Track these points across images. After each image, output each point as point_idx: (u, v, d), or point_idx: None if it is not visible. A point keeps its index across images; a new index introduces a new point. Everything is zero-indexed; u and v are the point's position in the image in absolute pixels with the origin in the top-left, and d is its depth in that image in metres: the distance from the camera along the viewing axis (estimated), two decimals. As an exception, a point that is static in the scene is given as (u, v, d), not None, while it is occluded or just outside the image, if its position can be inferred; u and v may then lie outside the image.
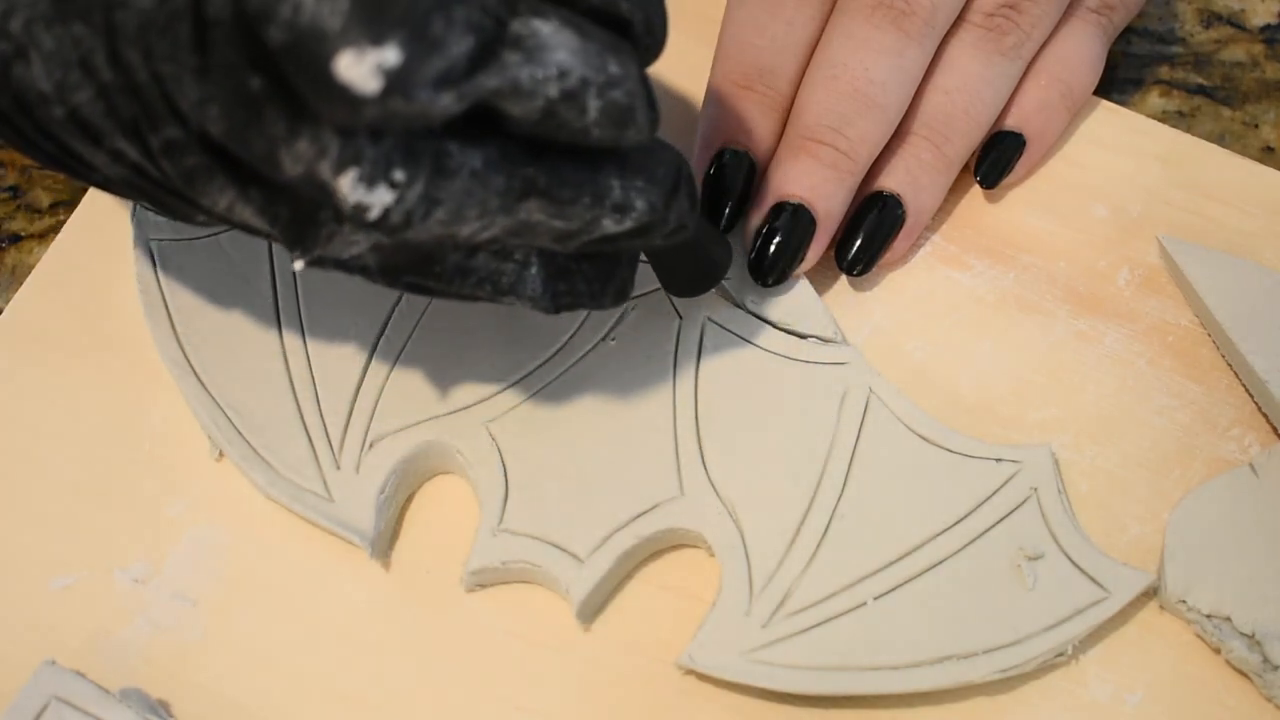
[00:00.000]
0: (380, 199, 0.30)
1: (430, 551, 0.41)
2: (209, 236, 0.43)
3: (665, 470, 0.40)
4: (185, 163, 0.31)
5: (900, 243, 0.43)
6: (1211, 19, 0.50)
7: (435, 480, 0.42)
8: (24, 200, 0.47)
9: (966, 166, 0.44)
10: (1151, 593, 0.40)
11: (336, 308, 0.42)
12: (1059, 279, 0.44)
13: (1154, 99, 0.49)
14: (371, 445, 0.41)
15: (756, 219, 0.42)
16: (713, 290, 0.42)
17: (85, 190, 0.45)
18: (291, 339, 0.42)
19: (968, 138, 0.43)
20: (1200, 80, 0.49)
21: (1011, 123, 0.44)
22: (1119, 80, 0.49)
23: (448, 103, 0.29)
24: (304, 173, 0.29)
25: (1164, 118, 0.48)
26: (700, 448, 0.41)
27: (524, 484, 0.40)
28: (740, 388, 0.41)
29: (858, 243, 0.42)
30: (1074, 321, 0.43)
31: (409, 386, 0.41)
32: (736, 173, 0.42)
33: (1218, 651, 0.40)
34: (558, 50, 0.30)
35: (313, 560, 0.40)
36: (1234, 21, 0.51)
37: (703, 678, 0.39)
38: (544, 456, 0.40)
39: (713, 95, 0.43)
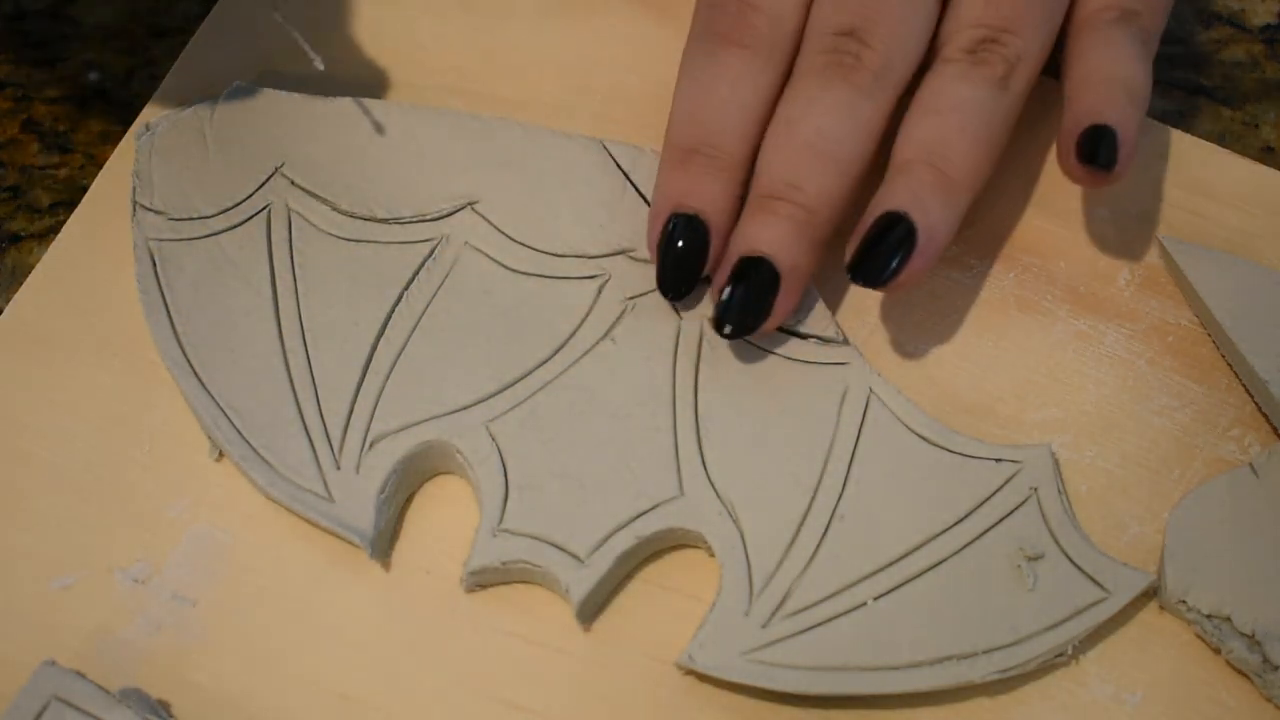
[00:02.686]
0: None
1: (430, 551, 0.41)
2: (208, 236, 0.43)
3: (665, 470, 0.40)
4: None
5: (916, 263, 0.40)
6: (1211, 19, 0.50)
7: (435, 480, 0.42)
8: (24, 200, 0.47)
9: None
10: (1151, 593, 0.40)
11: (336, 308, 0.42)
12: (1059, 279, 0.44)
13: (1154, 99, 0.49)
14: (371, 445, 0.41)
15: (720, 278, 0.41)
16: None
17: (85, 190, 0.45)
18: (291, 339, 0.42)
19: (969, 157, 0.41)
20: (1200, 80, 0.49)
21: (1089, 118, 0.41)
22: (1119, 80, 0.49)
23: None
24: None
25: (1164, 118, 0.48)
26: (700, 448, 0.41)
27: (524, 484, 0.40)
28: (740, 388, 0.41)
29: (866, 260, 0.40)
30: (1074, 321, 0.43)
31: (409, 386, 0.41)
32: (688, 234, 0.41)
33: (1218, 651, 0.40)
34: None
35: (313, 560, 0.40)
36: (1234, 21, 0.51)
37: (703, 678, 0.39)
38: (544, 456, 0.40)
39: (661, 166, 0.42)
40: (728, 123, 0.42)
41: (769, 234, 0.40)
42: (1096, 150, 0.41)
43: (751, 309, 0.40)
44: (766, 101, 0.42)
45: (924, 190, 0.41)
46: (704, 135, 0.42)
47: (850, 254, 0.41)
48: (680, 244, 0.41)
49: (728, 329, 0.40)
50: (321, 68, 0.43)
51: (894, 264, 0.40)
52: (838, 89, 0.41)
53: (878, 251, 0.40)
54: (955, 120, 0.41)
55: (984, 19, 0.42)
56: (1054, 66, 0.44)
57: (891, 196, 0.41)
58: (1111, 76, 0.42)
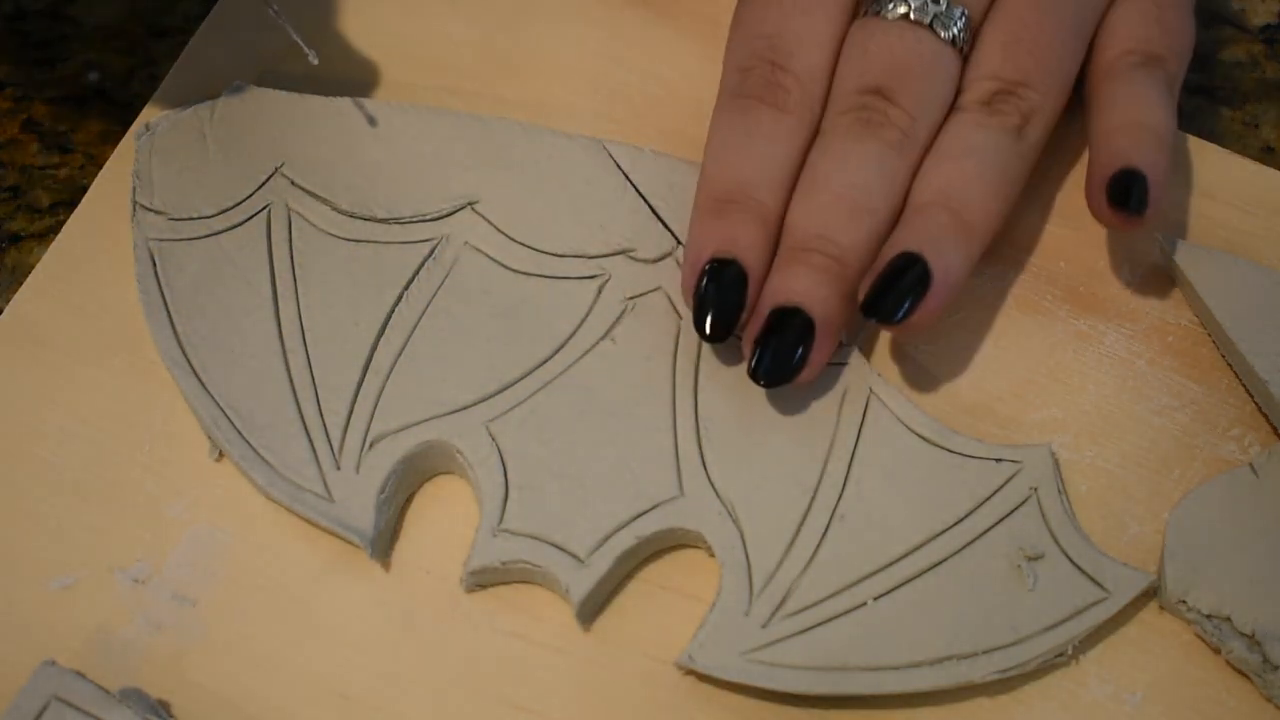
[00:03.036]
0: None
1: (430, 551, 0.41)
2: (209, 236, 0.43)
3: (665, 470, 0.40)
4: None
5: (930, 303, 0.40)
6: (1211, 19, 0.50)
7: (435, 480, 0.42)
8: (24, 200, 0.47)
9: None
10: (1151, 593, 0.40)
11: (336, 308, 0.42)
12: (1059, 279, 0.44)
13: (1154, 99, 0.49)
14: (371, 445, 0.41)
15: (754, 329, 0.40)
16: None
17: (85, 190, 0.45)
18: (291, 339, 0.42)
19: (985, 201, 0.41)
20: (1200, 80, 0.49)
21: (1120, 162, 0.41)
22: (1119, 80, 0.49)
23: None
24: None
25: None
26: (700, 448, 0.41)
27: (524, 484, 0.40)
28: (740, 387, 0.41)
29: (880, 298, 0.40)
30: (1074, 321, 0.43)
31: (409, 386, 0.41)
32: (726, 278, 0.40)
33: (1218, 651, 0.40)
34: None
35: (313, 560, 0.40)
36: (1234, 21, 0.51)
37: (702, 678, 0.39)
38: (544, 456, 0.40)
39: (695, 215, 0.42)
40: (762, 176, 0.41)
41: (801, 285, 0.40)
42: (1128, 194, 0.41)
43: (785, 360, 0.40)
44: (798, 160, 0.42)
45: (940, 232, 0.40)
46: (739, 187, 0.41)
47: (864, 292, 0.40)
48: (718, 289, 0.41)
49: (762, 381, 0.40)
50: (315, 62, 0.43)
51: (908, 304, 0.40)
52: (867, 144, 0.41)
53: (892, 290, 0.40)
54: (972, 166, 0.41)
55: (1000, 72, 0.42)
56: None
57: (907, 237, 0.41)
58: (1139, 122, 0.42)
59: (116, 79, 0.49)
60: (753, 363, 0.40)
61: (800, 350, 0.40)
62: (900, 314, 0.40)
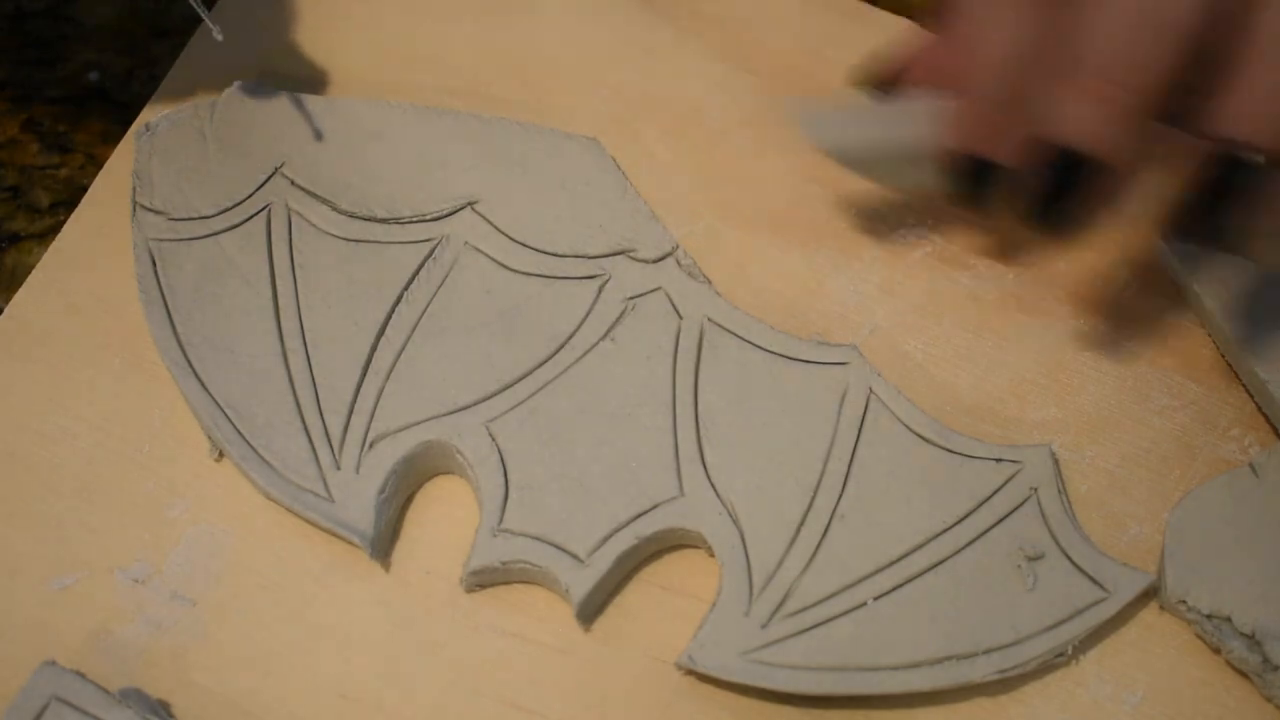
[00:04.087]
0: None
1: (430, 551, 0.41)
2: (208, 236, 0.43)
3: (665, 470, 0.40)
4: None
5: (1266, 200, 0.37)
6: (1211, 19, 0.50)
7: (435, 480, 0.42)
8: (24, 200, 0.47)
9: None
10: (1151, 593, 0.40)
11: (336, 308, 0.42)
12: (1059, 279, 0.44)
13: (1154, 99, 0.49)
14: (371, 445, 0.41)
15: (1040, 159, 0.37)
16: (712, 289, 0.42)
17: (85, 190, 0.45)
18: (291, 339, 0.42)
19: None
20: (1200, 80, 0.49)
21: None
22: (1119, 80, 0.48)
23: None
24: None
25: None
26: (700, 448, 0.41)
27: (524, 484, 0.40)
28: (740, 387, 0.41)
29: (1218, 212, 0.37)
30: (1074, 321, 0.43)
31: (409, 386, 0.41)
32: (994, 176, 0.39)
33: (1218, 651, 0.40)
34: None
35: (313, 560, 0.40)
36: (1234, 21, 0.51)
37: (702, 678, 0.39)
38: (544, 456, 0.40)
39: (966, 101, 0.38)
40: (1036, 62, 0.37)
41: (1091, 127, 0.36)
42: None
43: (1073, 205, 0.37)
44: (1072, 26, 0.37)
45: None
46: (1017, 79, 0.37)
47: (1194, 197, 0.37)
48: (987, 178, 0.39)
49: (1042, 227, 0.38)
50: (220, 39, 0.42)
51: (1241, 206, 0.37)
52: None
53: (1227, 202, 0.37)
54: None
55: None
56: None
57: (1244, 116, 0.36)
58: None
59: (116, 79, 0.49)
60: (1039, 204, 0.38)
61: (1086, 195, 0.37)
62: (1232, 221, 0.37)
